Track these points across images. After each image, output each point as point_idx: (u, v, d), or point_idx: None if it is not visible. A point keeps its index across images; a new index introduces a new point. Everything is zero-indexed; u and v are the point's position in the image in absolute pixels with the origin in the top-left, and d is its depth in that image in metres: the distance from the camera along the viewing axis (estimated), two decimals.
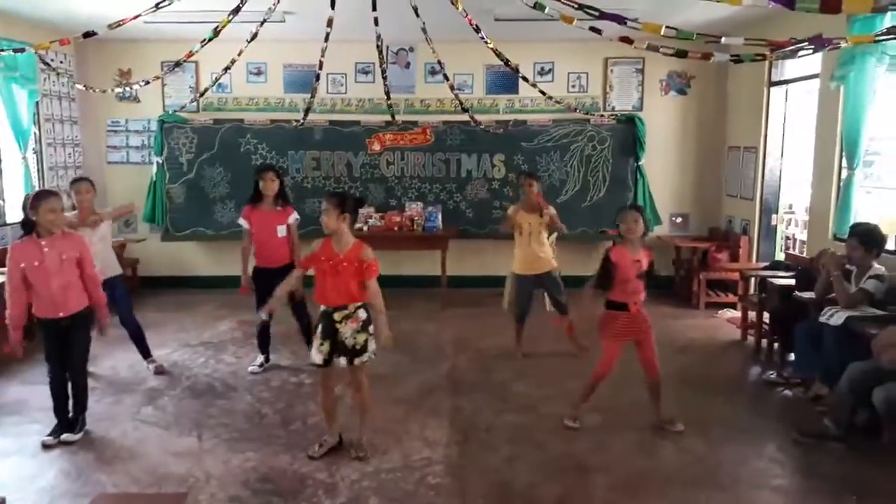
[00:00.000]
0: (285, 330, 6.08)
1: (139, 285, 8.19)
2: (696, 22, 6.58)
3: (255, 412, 4.70)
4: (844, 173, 5.63)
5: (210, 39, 4.66)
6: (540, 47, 8.04)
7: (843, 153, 5.64)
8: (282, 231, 5.32)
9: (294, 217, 5.42)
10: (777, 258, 6.94)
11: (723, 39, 3.62)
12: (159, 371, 5.44)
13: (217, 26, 4.50)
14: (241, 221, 5.39)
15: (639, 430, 4.41)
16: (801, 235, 7.12)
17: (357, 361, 3.88)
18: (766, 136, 7.20)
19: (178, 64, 5.32)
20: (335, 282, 3.81)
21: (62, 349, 4.16)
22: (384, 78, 5.39)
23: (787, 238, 7.57)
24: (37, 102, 7.13)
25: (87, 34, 4.47)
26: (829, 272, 4.78)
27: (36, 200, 3.99)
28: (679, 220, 8.46)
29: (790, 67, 6.94)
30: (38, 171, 7.32)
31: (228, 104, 8.22)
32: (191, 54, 5.09)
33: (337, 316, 3.84)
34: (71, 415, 4.26)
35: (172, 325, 6.84)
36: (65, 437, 4.15)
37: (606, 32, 4.00)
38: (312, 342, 3.95)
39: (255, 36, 4.95)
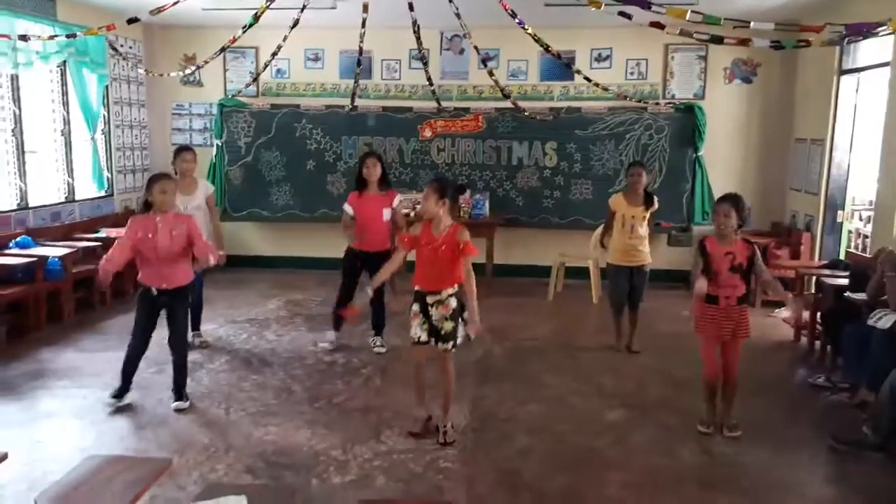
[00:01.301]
0: (326, 310, 6.22)
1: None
2: (766, 7, 6.27)
3: (285, 388, 4.83)
4: None
5: (251, 25, 4.80)
6: (597, 33, 7.86)
7: None
8: (387, 215, 5.43)
9: (398, 199, 5.52)
10: (841, 257, 6.57)
11: (752, 24, 3.42)
12: (203, 345, 5.67)
13: (256, 12, 4.61)
14: (346, 207, 5.47)
15: (663, 427, 4.29)
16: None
17: (440, 346, 3.97)
18: (833, 127, 6.80)
19: (223, 49, 5.49)
20: (433, 265, 3.93)
21: (152, 323, 4.44)
22: (424, 65, 5.39)
23: (860, 235, 7.15)
24: (106, 86, 7.51)
25: (131, 20, 4.68)
26: (883, 272, 4.49)
27: (150, 182, 4.33)
28: None
29: (862, 55, 6.50)
30: (106, 151, 7.72)
31: (286, 89, 8.43)
32: (234, 40, 5.25)
33: (430, 299, 3.95)
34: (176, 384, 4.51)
35: (223, 302, 7.09)
36: (176, 405, 4.42)
37: (636, 18, 3.86)
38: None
39: (296, 23, 5.06)
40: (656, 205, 5.59)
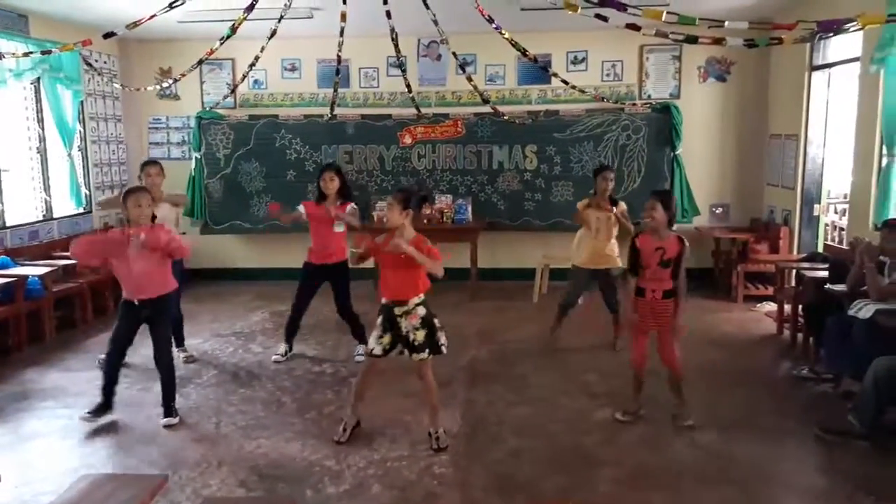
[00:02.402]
0: (313, 321, 6.21)
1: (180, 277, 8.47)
2: (738, 5, 6.37)
3: (275, 400, 4.81)
4: (885, 160, 5.37)
5: (228, 37, 4.78)
6: (573, 36, 7.93)
7: (883, 139, 5.38)
8: (338, 227, 5.42)
9: (350, 207, 5.48)
10: (819, 250, 6.69)
11: (726, 23, 3.49)
12: (189, 360, 5.62)
13: (234, 23, 4.60)
14: (300, 207, 5.52)
15: (653, 423, 4.33)
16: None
17: (415, 357, 3.98)
18: (807, 122, 6.92)
19: (200, 62, 5.47)
20: (396, 274, 3.94)
21: (130, 336, 4.42)
22: (403, 72, 5.41)
23: (836, 228, 7.27)
24: (81, 102, 7.44)
25: (107, 35, 4.65)
26: (863, 263, 4.58)
27: (125, 197, 4.30)
28: (719, 210, 8.23)
29: (833, 50, 6.63)
30: (83, 167, 7.64)
31: (264, 100, 8.40)
32: (211, 52, 5.23)
33: (397, 311, 3.95)
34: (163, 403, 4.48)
35: (207, 316, 7.04)
36: (165, 420, 4.37)
37: (613, 20, 3.91)
38: (370, 334, 4.10)
39: (274, 33, 5.05)
40: (622, 205, 5.62)
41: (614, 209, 5.54)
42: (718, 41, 3.69)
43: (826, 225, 7.27)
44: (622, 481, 3.63)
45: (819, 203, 7.00)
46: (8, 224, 6.56)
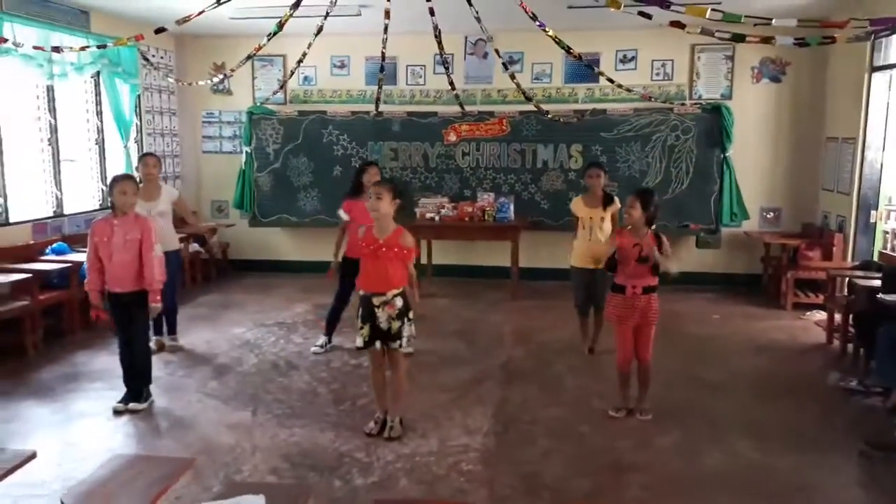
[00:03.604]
0: (351, 314, 6.27)
1: (229, 268, 8.72)
2: (790, 4, 6.19)
3: (311, 391, 4.89)
4: None
5: (275, 33, 4.88)
6: (622, 35, 7.82)
7: None
8: None
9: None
10: (874, 258, 6.43)
11: (773, 21, 3.38)
12: (175, 350, 5.71)
13: (280, 20, 4.69)
14: (341, 213, 5.57)
15: (689, 430, 4.24)
16: None
17: (392, 346, 4.01)
18: (865, 125, 6.66)
19: (249, 58, 5.59)
20: (375, 267, 3.95)
21: (125, 324, 4.49)
22: (446, 69, 5.43)
23: (895, 236, 6.99)
24: (138, 95, 7.70)
25: (158, 30, 4.80)
26: None
27: (111, 184, 4.42)
28: (771, 215, 8.00)
29: (895, 51, 6.36)
30: (138, 159, 7.88)
31: (313, 96, 8.54)
32: (259, 48, 5.33)
33: (375, 301, 3.97)
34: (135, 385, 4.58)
35: (253, 306, 7.21)
36: (131, 405, 4.49)
37: (657, 18, 3.84)
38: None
39: (320, 30, 5.12)
40: (617, 204, 5.49)
41: (610, 207, 5.45)
42: (767, 40, 3.58)
43: (886, 233, 6.99)
44: (650, 487, 3.57)
45: (876, 209, 6.73)
46: (66, 212, 6.84)
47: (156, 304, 4.45)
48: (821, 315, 6.70)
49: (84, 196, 7.29)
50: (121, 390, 4.63)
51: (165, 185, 5.95)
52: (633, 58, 7.95)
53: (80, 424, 4.36)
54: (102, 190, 7.41)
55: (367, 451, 3.95)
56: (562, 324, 6.35)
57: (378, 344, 4.01)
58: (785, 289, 7.09)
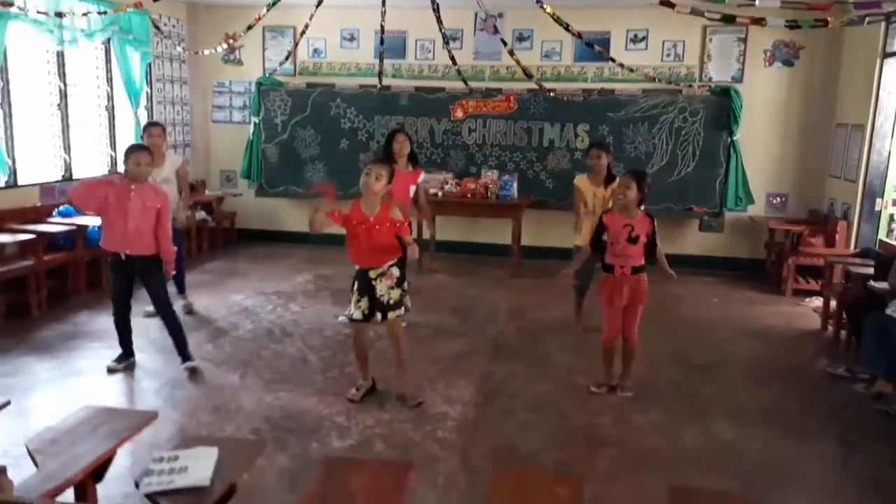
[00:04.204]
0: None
1: (236, 236, 8.85)
2: None
3: (301, 357, 4.99)
4: None
5: (274, 4, 4.91)
6: (633, 14, 7.74)
7: None
8: (412, 191, 5.55)
9: (423, 177, 5.63)
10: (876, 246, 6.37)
11: (757, 2, 3.34)
12: (187, 310, 5.86)
13: None
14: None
15: (669, 409, 4.29)
16: None
17: (391, 315, 4.07)
18: (875, 112, 6.56)
19: (249, 27, 5.64)
20: (370, 244, 3.99)
21: (126, 289, 4.61)
22: (446, 44, 5.43)
23: None
24: (149, 64, 7.78)
25: None
26: None
27: (126, 154, 4.51)
28: (777, 200, 7.93)
29: None
30: (143, 129, 7.98)
31: (322, 69, 8.56)
32: (259, 18, 5.38)
33: (372, 274, 4.03)
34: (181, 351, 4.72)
35: (256, 275, 7.32)
36: (186, 365, 4.65)
37: None
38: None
39: (320, 2, 5.14)
40: (616, 184, 5.45)
41: (611, 186, 5.39)
42: (758, 21, 3.54)
43: (893, 218, 6.90)
44: (622, 461, 3.62)
45: (882, 197, 6.65)
46: (75, 176, 6.97)
47: (171, 269, 4.63)
48: (819, 301, 6.66)
49: (93, 161, 7.42)
50: (117, 350, 4.76)
51: (172, 152, 6.04)
52: (644, 38, 7.87)
53: (75, 381, 4.50)
54: (111, 156, 7.54)
55: (348, 416, 4.04)
56: (558, 302, 6.37)
57: (379, 316, 4.06)
58: (786, 275, 7.06)
